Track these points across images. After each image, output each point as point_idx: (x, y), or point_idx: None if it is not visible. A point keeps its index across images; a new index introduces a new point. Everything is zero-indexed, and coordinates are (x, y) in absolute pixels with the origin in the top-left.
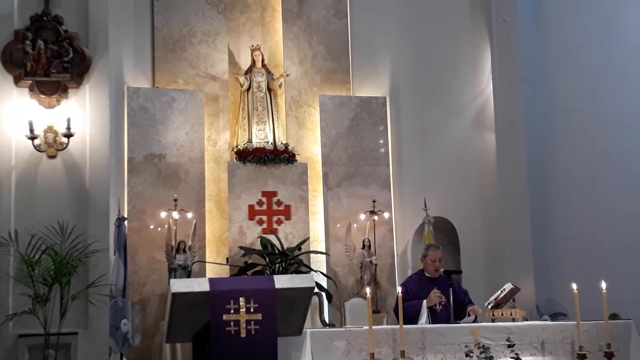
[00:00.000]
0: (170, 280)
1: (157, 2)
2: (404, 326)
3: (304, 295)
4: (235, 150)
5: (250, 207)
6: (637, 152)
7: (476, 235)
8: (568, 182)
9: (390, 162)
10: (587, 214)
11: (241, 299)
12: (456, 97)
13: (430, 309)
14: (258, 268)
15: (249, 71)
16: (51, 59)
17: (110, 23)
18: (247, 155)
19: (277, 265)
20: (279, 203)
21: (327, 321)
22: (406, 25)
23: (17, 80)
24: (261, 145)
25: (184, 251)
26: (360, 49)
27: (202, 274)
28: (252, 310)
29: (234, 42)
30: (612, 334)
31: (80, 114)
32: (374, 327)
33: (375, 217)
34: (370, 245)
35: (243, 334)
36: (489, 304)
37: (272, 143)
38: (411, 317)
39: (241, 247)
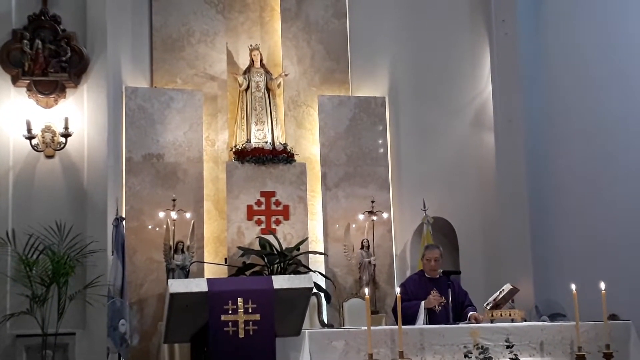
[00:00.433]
0: (169, 280)
1: (155, 1)
2: (403, 327)
3: (303, 295)
4: (233, 150)
5: (249, 207)
6: (637, 153)
7: (475, 235)
8: (567, 183)
9: (389, 163)
10: (587, 214)
11: (239, 299)
12: (455, 97)
13: (429, 310)
14: (256, 268)
15: (248, 71)
16: (49, 59)
17: (108, 22)
18: (246, 155)
19: (276, 265)
20: (277, 203)
21: (326, 322)
22: (405, 25)
23: (14, 80)
24: (260, 145)
25: (182, 251)
26: (359, 49)
27: (200, 274)
28: (250, 310)
29: (232, 41)
30: (611, 335)
31: (78, 114)
32: (372, 327)
33: (374, 218)
34: (369, 246)
35: (241, 335)
36: (487, 304)
37: (270, 143)
38: (409, 318)
39: (239, 248)
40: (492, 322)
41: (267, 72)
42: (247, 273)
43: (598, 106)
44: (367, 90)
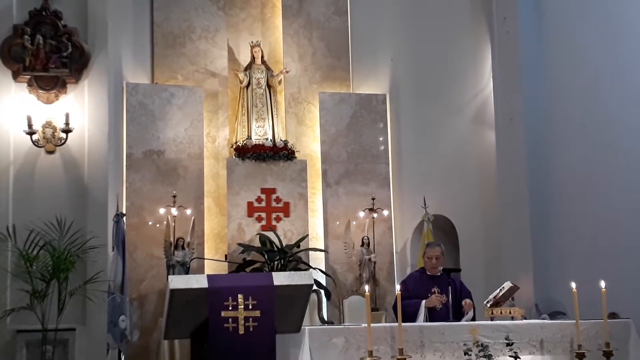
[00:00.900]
0: (169, 276)
1: None
2: (403, 324)
3: (303, 292)
4: (234, 146)
5: (249, 204)
6: (637, 151)
7: (475, 233)
8: (568, 181)
9: (390, 160)
10: (587, 212)
11: (240, 295)
12: (456, 95)
13: (430, 308)
14: (257, 265)
15: (249, 68)
16: (50, 54)
17: (109, 18)
18: (246, 152)
19: (276, 262)
20: (278, 200)
21: (326, 319)
22: (406, 23)
23: (15, 75)
24: (260, 142)
25: (183, 248)
26: (360, 46)
27: (200, 270)
28: (250, 307)
29: (233, 38)
30: (611, 333)
31: (79, 110)
32: (372, 324)
33: (375, 215)
34: (369, 243)
35: (241, 331)
36: (488, 302)
37: (271, 140)
38: (409, 316)
39: (240, 244)
40: (492, 320)
41: (268, 68)
42: (248, 270)
43: (599, 104)
44: (368, 87)
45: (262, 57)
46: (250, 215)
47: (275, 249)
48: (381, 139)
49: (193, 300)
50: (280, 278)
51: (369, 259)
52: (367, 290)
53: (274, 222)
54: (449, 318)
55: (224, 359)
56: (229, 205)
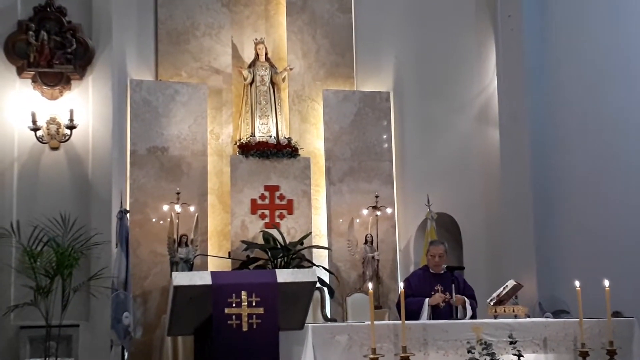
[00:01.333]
0: (173, 273)
1: None
2: (406, 322)
3: (306, 289)
4: (238, 144)
5: (253, 201)
6: None
7: (479, 231)
8: (572, 179)
9: (394, 158)
10: (591, 210)
11: (243, 292)
12: (460, 92)
13: (433, 306)
14: (260, 262)
15: (253, 64)
16: (54, 50)
17: (113, 14)
18: (250, 149)
19: (279, 259)
20: (281, 197)
21: (329, 316)
22: (411, 20)
23: (20, 71)
24: (264, 139)
25: (186, 244)
26: (365, 43)
27: (204, 267)
28: (254, 304)
29: (237, 35)
30: (615, 332)
31: (83, 106)
32: (376, 322)
33: (378, 213)
34: (372, 241)
35: (245, 328)
36: (491, 300)
37: (275, 137)
38: (412, 314)
39: (243, 241)
40: (495, 318)
41: (272, 65)
42: (251, 267)
43: (604, 103)
44: (372, 85)
45: (266, 54)
46: (253, 212)
47: (279, 246)
48: (385, 136)
49: (196, 297)
50: (284, 275)
51: (372, 257)
52: (370, 288)
53: (277, 220)
54: (452, 316)
55: (227, 356)
56: (233, 202)
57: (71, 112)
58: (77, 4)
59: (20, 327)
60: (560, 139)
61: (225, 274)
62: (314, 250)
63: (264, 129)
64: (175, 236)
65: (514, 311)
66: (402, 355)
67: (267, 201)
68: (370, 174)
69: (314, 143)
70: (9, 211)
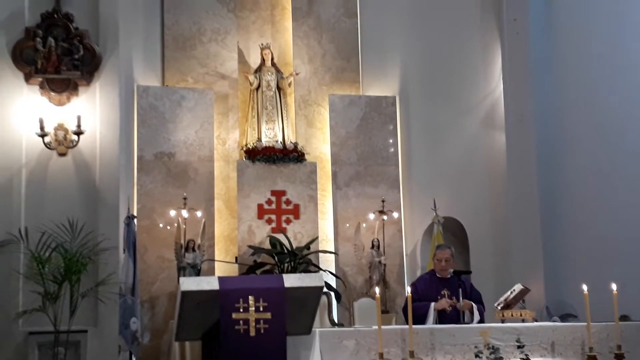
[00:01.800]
0: (180, 278)
1: (167, 0)
2: (413, 326)
3: (314, 294)
4: (244, 149)
5: (260, 206)
6: None
7: (486, 235)
8: (578, 182)
9: (400, 162)
10: (598, 214)
11: (250, 297)
12: (466, 96)
13: (440, 310)
14: (267, 267)
15: (259, 70)
16: (62, 57)
17: (120, 21)
18: (257, 154)
19: (286, 264)
20: (288, 202)
21: (336, 321)
22: (416, 24)
23: (27, 78)
24: (270, 144)
25: (193, 250)
26: (370, 48)
27: (211, 272)
28: (261, 309)
29: (243, 40)
30: (623, 336)
31: (91, 112)
32: (383, 327)
33: (385, 217)
34: (379, 245)
35: (252, 333)
36: (498, 304)
37: (281, 142)
38: (419, 318)
39: (250, 246)
40: (503, 322)
41: (278, 71)
42: (258, 272)
43: (609, 105)
44: (377, 89)
45: (272, 59)
46: (260, 217)
47: (286, 251)
48: (391, 141)
49: (204, 302)
50: (291, 280)
51: (379, 261)
52: (377, 293)
53: (284, 224)
54: (459, 320)
55: None
56: (239, 207)
57: (79, 118)
58: (84, 10)
59: (28, 332)
60: (566, 141)
61: (233, 279)
62: (321, 255)
63: (271, 134)
64: (182, 241)
65: (521, 315)
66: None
67: (273, 206)
68: (376, 178)
69: (320, 148)
70: (17, 217)
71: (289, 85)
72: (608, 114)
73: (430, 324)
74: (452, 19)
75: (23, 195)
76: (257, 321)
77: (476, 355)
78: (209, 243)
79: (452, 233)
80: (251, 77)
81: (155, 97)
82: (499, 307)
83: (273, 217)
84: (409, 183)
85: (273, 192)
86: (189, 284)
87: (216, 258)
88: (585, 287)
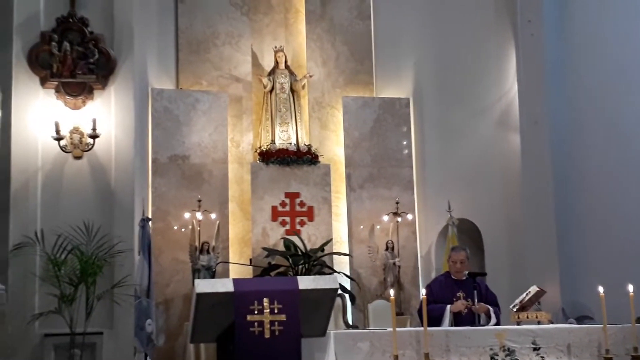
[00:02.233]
0: (195, 280)
1: (181, 3)
2: (429, 328)
3: (328, 296)
4: (258, 151)
5: (273, 208)
6: None
7: (501, 237)
8: (593, 183)
9: (414, 164)
10: (613, 215)
11: (265, 299)
12: (480, 98)
13: (455, 312)
14: (281, 269)
15: (272, 72)
16: (77, 60)
17: (135, 25)
18: (270, 157)
19: (300, 266)
20: (302, 204)
21: (351, 323)
22: (430, 26)
23: (43, 82)
24: (284, 147)
25: (208, 252)
26: (384, 50)
27: (225, 274)
28: (276, 311)
29: (257, 43)
30: (639, 338)
31: (106, 115)
32: (397, 329)
33: (399, 219)
34: (393, 247)
35: (267, 335)
36: (514, 306)
37: (295, 144)
38: (434, 321)
39: (264, 248)
40: (518, 324)
41: (291, 73)
42: (272, 274)
43: (624, 106)
44: (391, 91)
45: (286, 62)
46: (274, 219)
47: (300, 253)
48: (405, 142)
49: (219, 304)
50: (306, 282)
51: (394, 263)
52: (391, 295)
53: (298, 226)
54: (474, 323)
55: None
56: (253, 209)
57: (94, 121)
58: (99, 14)
59: (44, 334)
60: (581, 143)
61: (247, 281)
62: (335, 256)
63: (284, 136)
64: (196, 244)
65: (537, 317)
66: None
67: (287, 208)
68: (390, 180)
69: (333, 150)
70: (33, 220)
71: (303, 87)
72: (622, 114)
73: (446, 327)
74: (466, 21)
75: (39, 198)
76: (272, 323)
77: (492, 358)
78: (223, 245)
79: (467, 235)
80: (265, 80)
81: (169, 100)
82: (515, 309)
83: (287, 219)
84: (423, 185)
85: (287, 194)
86: (204, 286)
87: (230, 260)
88: (601, 289)
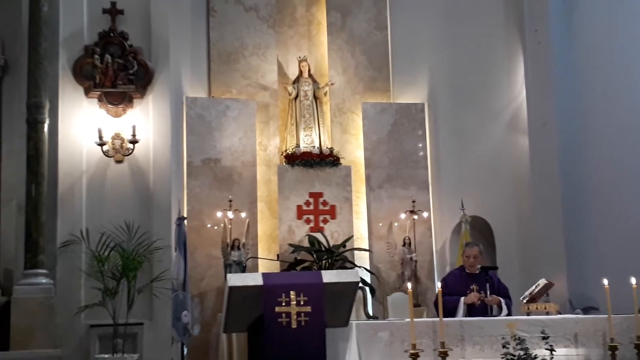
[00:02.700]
0: (227, 275)
1: (212, 18)
2: (444, 319)
3: (350, 289)
4: (284, 154)
5: (299, 207)
6: None
7: (511, 233)
8: (599, 183)
9: (429, 165)
10: (618, 213)
11: (292, 292)
12: (491, 102)
13: (469, 304)
14: (306, 264)
15: (297, 81)
16: (117, 72)
17: (170, 38)
18: (295, 159)
19: (324, 261)
20: (324, 203)
21: (371, 314)
22: (443, 36)
23: (87, 92)
24: (308, 150)
25: (238, 248)
26: (400, 59)
27: (255, 269)
28: (302, 303)
29: (282, 54)
30: None
31: (144, 122)
32: (415, 319)
33: (415, 217)
34: (410, 243)
35: (294, 325)
36: (524, 298)
37: (318, 147)
38: (449, 312)
39: (290, 245)
40: (528, 315)
41: (314, 81)
42: (298, 268)
43: (630, 109)
44: (407, 97)
45: (309, 71)
46: (299, 217)
47: (323, 248)
48: (420, 145)
49: (249, 296)
50: (329, 276)
51: (411, 258)
52: (409, 288)
53: (321, 224)
54: (486, 314)
55: (278, 352)
56: (280, 208)
57: (133, 128)
58: (137, 29)
59: (90, 325)
60: (587, 144)
61: (275, 275)
62: (356, 252)
63: (308, 140)
64: (228, 240)
65: (545, 308)
66: (441, 350)
67: (311, 207)
68: (407, 180)
69: (354, 152)
70: (79, 220)
71: (325, 94)
72: (629, 117)
73: (460, 317)
74: (477, 31)
75: (84, 199)
76: (298, 314)
77: (504, 346)
78: (253, 242)
79: (479, 231)
80: (290, 88)
81: (202, 108)
82: (525, 301)
83: (311, 217)
84: (437, 185)
85: (311, 194)
86: (235, 280)
87: (259, 256)
88: (606, 281)
